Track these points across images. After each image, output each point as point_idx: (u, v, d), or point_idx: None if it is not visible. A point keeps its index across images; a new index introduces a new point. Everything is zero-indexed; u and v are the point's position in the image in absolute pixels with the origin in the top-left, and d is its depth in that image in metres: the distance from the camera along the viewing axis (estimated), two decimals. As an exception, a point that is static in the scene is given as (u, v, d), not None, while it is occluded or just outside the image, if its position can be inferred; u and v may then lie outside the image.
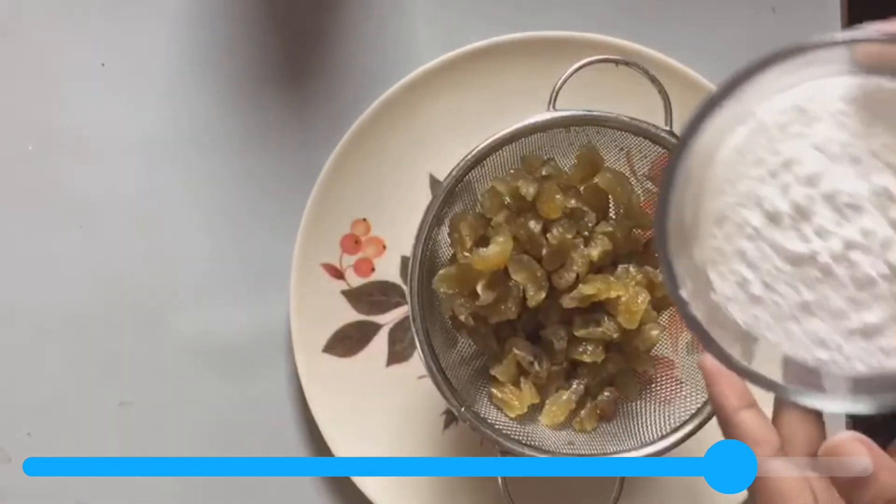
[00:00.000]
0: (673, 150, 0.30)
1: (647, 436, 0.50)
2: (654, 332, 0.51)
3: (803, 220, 0.30)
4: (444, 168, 0.50)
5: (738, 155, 0.31)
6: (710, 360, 0.33)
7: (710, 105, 0.30)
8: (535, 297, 0.49)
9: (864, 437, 0.30)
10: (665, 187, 0.30)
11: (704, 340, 0.31)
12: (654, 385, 0.53)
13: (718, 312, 0.33)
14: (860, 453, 0.29)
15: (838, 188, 0.30)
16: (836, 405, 0.30)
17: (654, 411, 0.51)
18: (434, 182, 0.57)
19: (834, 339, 0.31)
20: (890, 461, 0.29)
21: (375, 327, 0.57)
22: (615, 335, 0.50)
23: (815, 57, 0.29)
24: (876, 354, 0.31)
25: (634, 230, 0.51)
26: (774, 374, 0.31)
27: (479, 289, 0.49)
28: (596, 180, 0.51)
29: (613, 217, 0.52)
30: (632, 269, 0.50)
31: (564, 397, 0.51)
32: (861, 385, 0.31)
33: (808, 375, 0.32)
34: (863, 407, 0.30)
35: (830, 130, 0.30)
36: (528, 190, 0.49)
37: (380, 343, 0.57)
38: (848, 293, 0.30)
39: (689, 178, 0.32)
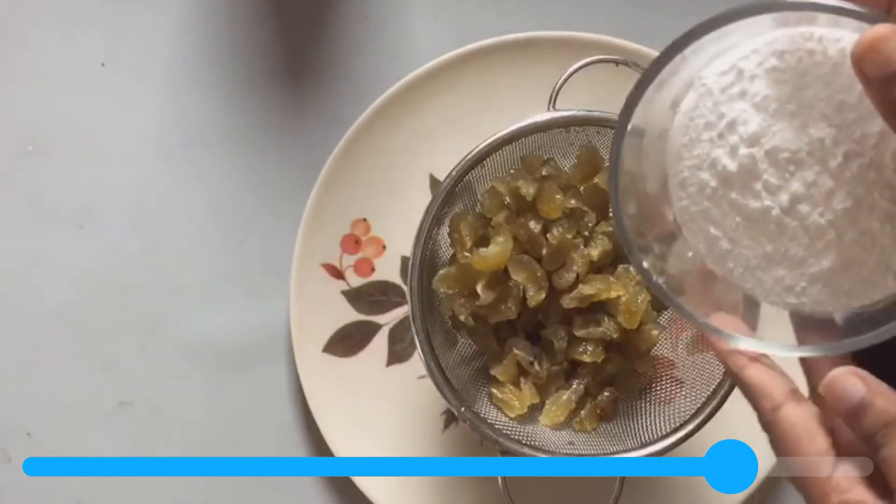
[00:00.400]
0: (615, 131, 0.33)
1: (647, 436, 0.50)
2: (654, 332, 0.51)
3: (753, 178, 0.31)
4: (444, 168, 0.50)
5: (690, 120, 0.33)
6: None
7: (641, 87, 0.32)
8: (535, 297, 0.49)
9: (858, 368, 0.31)
10: (614, 160, 0.33)
11: (669, 302, 0.33)
12: (654, 385, 0.53)
13: (706, 273, 0.34)
14: (854, 384, 0.31)
15: (778, 145, 0.31)
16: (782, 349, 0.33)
17: (654, 411, 0.51)
18: (434, 182, 0.57)
19: (800, 285, 0.32)
20: (884, 387, 0.31)
21: (375, 327, 0.57)
22: (615, 335, 0.50)
23: (747, 20, 0.30)
24: (840, 297, 0.32)
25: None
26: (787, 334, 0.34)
27: (479, 289, 0.49)
28: (596, 180, 0.51)
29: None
30: (632, 269, 0.50)
31: (564, 397, 0.51)
32: (842, 326, 0.33)
33: (815, 328, 0.33)
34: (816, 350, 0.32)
35: (767, 88, 0.31)
36: (528, 190, 0.49)
37: (380, 343, 0.57)
38: (804, 242, 0.32)
39: (644, 152, 0.34)
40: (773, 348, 0.33)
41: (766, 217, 0.32)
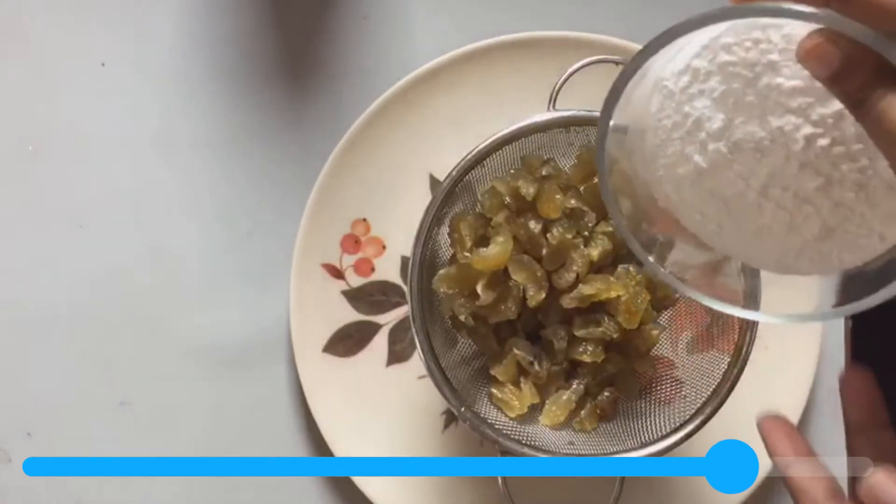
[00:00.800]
0: (595, 142, 0.34)
1: (647, 436, 0.50)
2: (654, 332, 0.51)
3: (725, 168, 0.33)
4: (444, 168, 0.50)
5: (658, 121, 0.34)
6: (765, 419, 0.38)
7: (613, 96, 0.33)
8: (535, 297, 0.49)
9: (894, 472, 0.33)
10: (600, 165, 0.34)
11: (680, 289, 0.35)
12: (654, 385, 0.53)
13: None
14: (892, 490, 0.33)
15: (742, 138, 0.32)
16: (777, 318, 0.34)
17: (654, 411, 0.51)
18: (434, 182, 0.57)
19: (788, 255, 0.34)
20: None
21: (375, 327, 0.57)
22: (615, 335, 0.50)
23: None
24: (832, 261, 0.33)
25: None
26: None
27: (479, 289, 0.49)
28: (596, 180, 0.51)
29: (613, 217, 0.52)
30: (632, 269, 0.50)
31: (564, 397, 0.51)
32: (844, 290, 0.34)
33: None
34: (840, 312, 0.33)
35: (722, 83, 0.32)
36: (528, 190, 0.49)
37: (380, 343, 0.57)
38: (784, 219, 0.33)
39: (631, 150, 0.35)
40: (776, 318, 0.34)
41: (745, 200, 0.33)
